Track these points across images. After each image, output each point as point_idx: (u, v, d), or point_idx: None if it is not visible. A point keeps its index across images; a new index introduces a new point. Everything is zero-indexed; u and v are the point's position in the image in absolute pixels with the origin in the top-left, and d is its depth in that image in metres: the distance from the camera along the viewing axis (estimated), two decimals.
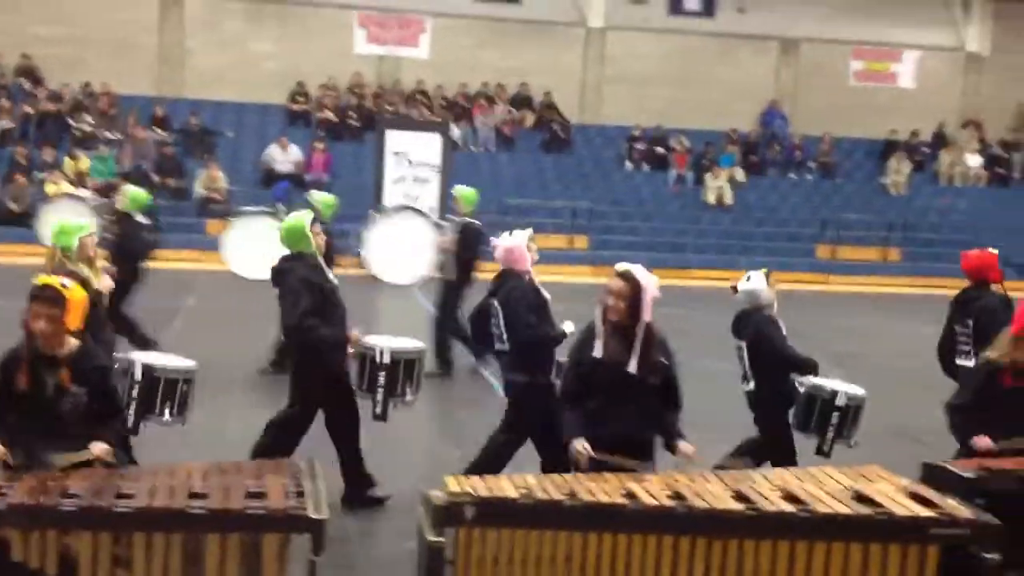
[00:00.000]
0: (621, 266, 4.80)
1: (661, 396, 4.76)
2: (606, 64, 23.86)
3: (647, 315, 4.66)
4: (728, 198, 21.97)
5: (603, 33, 23.76)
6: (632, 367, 4.61)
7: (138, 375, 5.74)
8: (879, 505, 4.17)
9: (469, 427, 8.12)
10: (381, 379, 6.11)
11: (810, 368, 6.13)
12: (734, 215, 21.92)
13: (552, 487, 4.26)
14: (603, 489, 4.25)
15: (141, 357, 6.04)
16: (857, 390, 6.07)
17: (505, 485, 4.27)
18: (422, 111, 22.08)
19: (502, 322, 6.01)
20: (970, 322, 6.76)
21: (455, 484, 4.25)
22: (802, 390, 6.06)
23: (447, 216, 10.77)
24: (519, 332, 5.95)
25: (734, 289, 6.30)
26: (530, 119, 23.50)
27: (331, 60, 22.59)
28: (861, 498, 4.25)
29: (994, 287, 6.86)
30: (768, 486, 4.40)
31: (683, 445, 4.71)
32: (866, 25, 23.80)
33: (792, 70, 24.37)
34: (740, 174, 22.52)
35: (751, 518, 4.10)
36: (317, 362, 5.97)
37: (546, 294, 6.17)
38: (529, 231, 6.37)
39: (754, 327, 6.17)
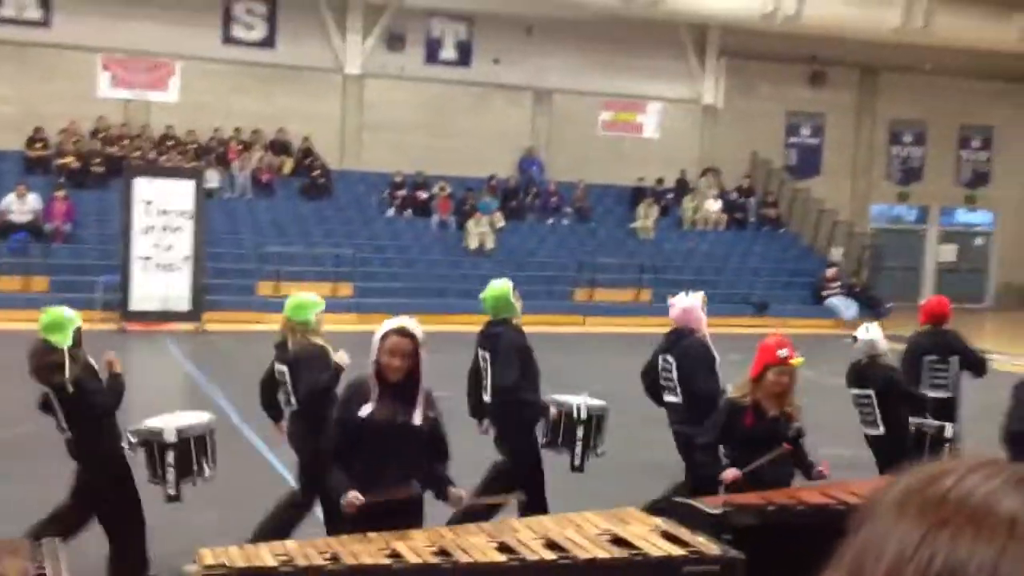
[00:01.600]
0: (400, 322, 4.68)
1: (429, 449, 4.73)
2: (365, 111, 23.90)
3: (424, 367, 4.63)
4: (489, 243, 22.40)
5: (360, 80, 23.81)
6: (416, 419, 4.56)
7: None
8: (634, 547, 4.31)
9: (227, 488, 7.78)
10: (579, 432, 6.49)
11: (924, 408, 6.83)
12: (495, 260, 22.34)
13: (314, 552, 4.14)
14: (367, 550, 4.16)
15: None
16: (948, 425, 6.74)
17: (264, 554, 4.11)
18: (173, 157, 21.29)
19: (675, 376, 6.45)
20: (953, 358, 7.79)
21: (210, 556, 4.05)
22: (912, 429, 6.67)
23: None
24: (695, 387, 6.31)
25: (854, 339, 6.82)
26: (289, 165, 23.15)
27: (73, 104, 21.45)
28: (617, 541, 4.37)
29: (946, 326, 7.91)
30: (530, 534, 4.46)
31: (453, 491, 4.71)
32: (613, 78, 25.06)
33: (546, 119, 25.27)
34: (500, 219, 23.04)
35: (514, 568, 4.14)
36: (524, 422, 6.47)
37: (715, 353, 6.57)
38: (702, 294, 6.89)
39: (884, 376, 6.72)
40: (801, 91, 26.80)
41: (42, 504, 6.09)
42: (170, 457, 5.73)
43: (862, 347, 6.82)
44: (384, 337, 4.57)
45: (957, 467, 0.72)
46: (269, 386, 6.40)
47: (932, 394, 7.54)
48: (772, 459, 5.26)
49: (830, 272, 23.19)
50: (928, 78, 26.92)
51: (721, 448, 5.56)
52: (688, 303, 6.72)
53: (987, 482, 0.70)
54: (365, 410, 4.58)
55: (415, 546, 4.23)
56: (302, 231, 21.67)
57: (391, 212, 23.01)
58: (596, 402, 6.74)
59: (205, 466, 5.97)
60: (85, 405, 5.61)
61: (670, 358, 6.60)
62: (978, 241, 29.41)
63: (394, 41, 23.86)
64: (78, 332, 5.72)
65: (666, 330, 7.13)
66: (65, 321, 5.70)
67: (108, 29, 21.69)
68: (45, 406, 5.79)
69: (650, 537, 4.42)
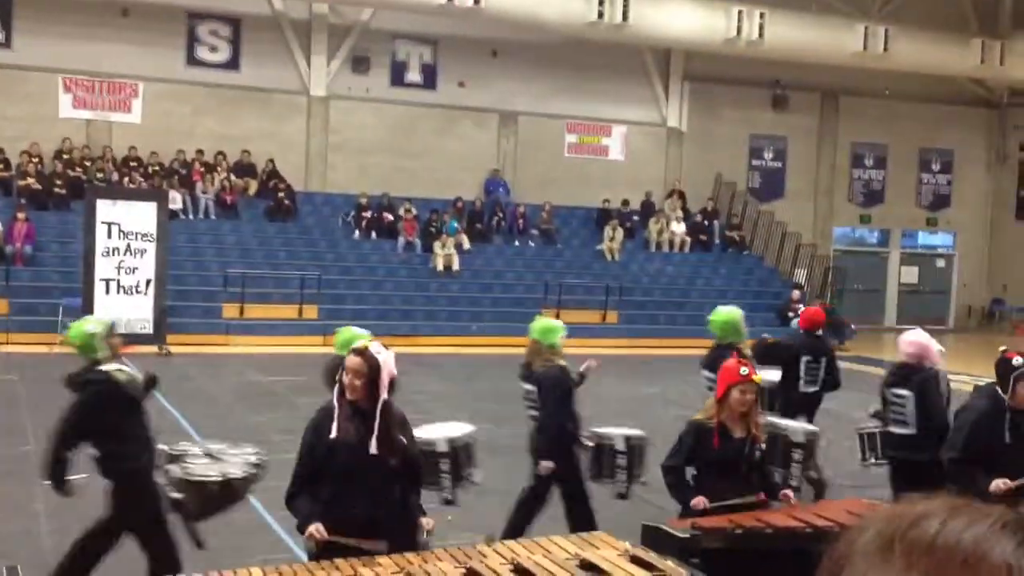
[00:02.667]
0: (359, 343, 4.73)
1: (401, 477, 4.69)
2: (330, 133, 23.86)
3: (384, 393, 4.60)
4: (456, 264, 22.39)
5: (326, 102, 23.78)
6: (372, 448, 4.52)
7: (622, 446, 6.63)
8: (603, 572, 4.29)
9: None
10: (795, 456, 6.86)
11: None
12: (462, 281, 22.35)
13: None
14: None
15: (619, 430, 6.72)
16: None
17: None
18: (135, 178, 21.12)
19: (914, 407, 6.74)
20: (824, 359, 8.87)
21: None
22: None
23: None
24: (934, 418, 6.58)
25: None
26: (253, 187, 23.03)
27: (35, 125, 21.25)
28: (586, 566, 4.36)
29: (819, 333, 9.14)
30: (498, 560, 4.43)
31: (423, 521, 4.68)
32: (578, 101, 25.21)
33: (511, 141, 25.34)
34: (466, 241, 23.04)
35: None
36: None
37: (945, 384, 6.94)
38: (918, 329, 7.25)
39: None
40: (764, 114, 27.09)
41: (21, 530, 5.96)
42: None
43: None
44: (346, 358, 4.63)
45: (936, 510, 0.71)
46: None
47: (804, 389, 8.69)
48: (742, 504, 5.28)
49: (796, 294, 23.37)
50: (888, 102, 27.33)
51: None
52: (920, 339, 7.04)
53: (973, 527, 0.68)
54: (333, 431, 4.56)
55: (382, 572, 4.19)
56: (267, 253, 21.55)
57: (357, 234, 22.94)
58: (809, 427, 7.22)
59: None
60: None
61: (904, 392, 6.86)
62: (939, 263, 29.80)
63: (359, 63, 23.86)
64: None
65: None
66: (357, 338, 6.15)
67: (70, 50, 21.53)
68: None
69: (618, 561, 4.40)
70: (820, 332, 9.02)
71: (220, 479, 5.63)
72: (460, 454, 6.30)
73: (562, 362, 6.80)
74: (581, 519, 6.58)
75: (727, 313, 7.23)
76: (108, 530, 5.70)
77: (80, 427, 5.60)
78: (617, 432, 6.74)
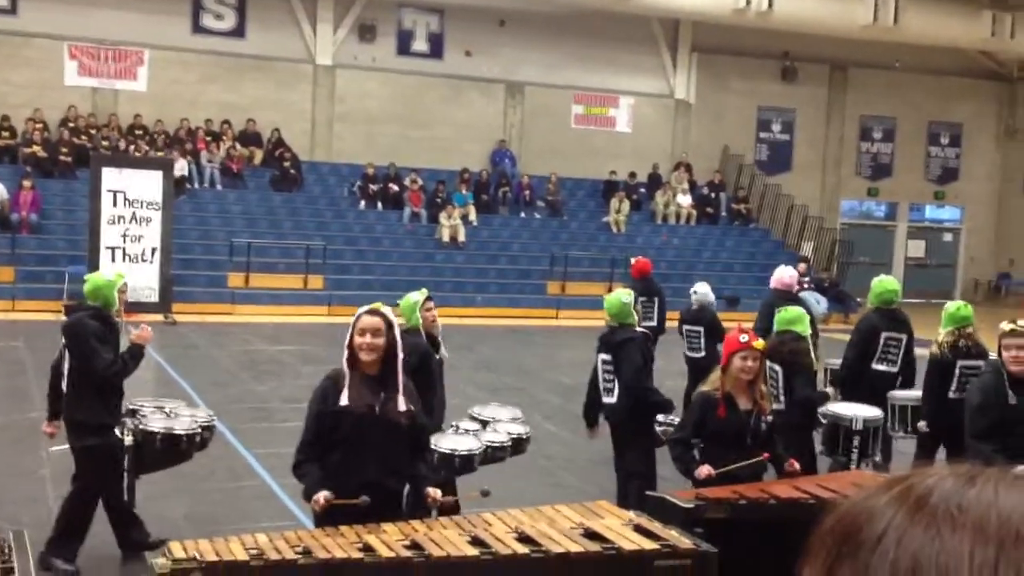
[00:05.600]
0: (371, 305, 4.65)
1: (409, 441, 4.68)
2: (336, 102, 23.76)
3: (401, 351, 4.58)
4: (461, 236, 22.35)
5: (332, 71, 23.67)
6: (400, 405, 4.51)
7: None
8: (607, 540, 4.30)
9: (196, 480, 7.72)
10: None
11: None
12: (467, 253, 22.32)
13: (285, 546, 4.10)
14: (338, 544, 4.13)
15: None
16: None
17: (235, 547, 4.06)
18: (140, 146, 21.07)
19: None
20: (655, 299, 11.58)
21: (180, 549, 4.00)
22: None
23: None
24: None
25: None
26: (259, 156, 22.97)
27: (40, 93, 21.19)
28: (590, 534, 4.37)
29: (649, 278, 11.77)
30: (503, 528, 4.44)
31: (431, 491, 4.66)
32: (585, 72, 25.07)
33: (518, 112, 25.23)
34: (472, 212, 22.98)
35: (487, 563, 4.12)
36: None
37: None
38: None
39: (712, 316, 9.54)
40: (772, 86, 26.92)
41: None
42: (856, 441, 6.90)
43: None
44: (356, 320, 4.57)
45: (982, 474, 0.67)
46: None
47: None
48: (748, 465, 5.27)
49: (801, 267, 23.28)
50: (897, 74, 27.13)
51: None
52: None
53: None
54: (342, 400, 4.54)
55: (387, 540, 4.20)
56: (273, 223, 21.53)
57: (362, 204, 22.90)
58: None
59: (877, 452, 7.18)
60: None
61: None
62: (946, 237, 29.69)
63: (365, 32, 23.73)
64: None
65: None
66: (801, 316, 7.20)
67: (76, 17, 21.44)
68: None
69: (623, 531, 4.41)
70: (649, 277, 11.72)
71: (163, 433, 6.04)
72: (870, 434, 6.98)
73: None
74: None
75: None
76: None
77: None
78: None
